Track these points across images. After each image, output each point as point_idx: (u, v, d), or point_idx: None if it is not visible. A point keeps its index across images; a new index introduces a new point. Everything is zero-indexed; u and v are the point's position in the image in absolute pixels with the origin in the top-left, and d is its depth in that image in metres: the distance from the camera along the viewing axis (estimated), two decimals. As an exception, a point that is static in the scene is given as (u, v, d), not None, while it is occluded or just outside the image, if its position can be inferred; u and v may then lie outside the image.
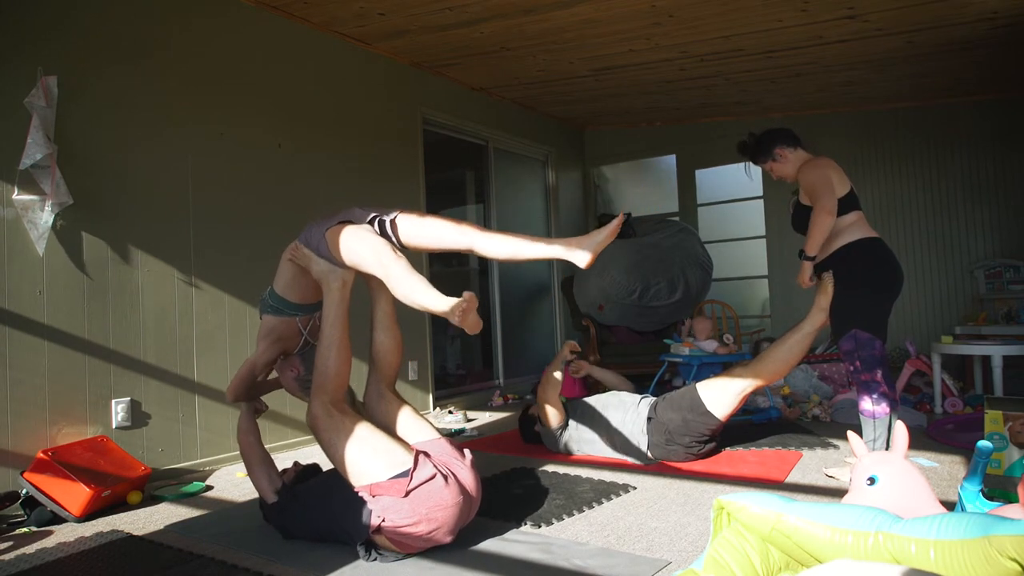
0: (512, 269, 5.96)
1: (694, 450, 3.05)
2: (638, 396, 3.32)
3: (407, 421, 2.22)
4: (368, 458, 2.00)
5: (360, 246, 2.07)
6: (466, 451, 2.18)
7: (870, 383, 2.71)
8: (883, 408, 2.70)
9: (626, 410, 3.22)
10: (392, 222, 2.12)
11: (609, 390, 3.60)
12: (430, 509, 1.95)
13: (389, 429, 2.19)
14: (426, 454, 2.06)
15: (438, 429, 2.27)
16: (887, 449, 2.76)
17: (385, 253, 2.00)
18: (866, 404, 2.73)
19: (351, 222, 2.16)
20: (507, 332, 5.82)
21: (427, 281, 1.92)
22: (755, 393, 4.45)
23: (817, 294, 2.87)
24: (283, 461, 3.35)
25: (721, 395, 2.99)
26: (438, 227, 2.08)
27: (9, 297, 2.75)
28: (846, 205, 2.82)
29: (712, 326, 4.49)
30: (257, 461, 2.40)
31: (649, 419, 3.10)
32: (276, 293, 2.37)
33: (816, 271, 2.91)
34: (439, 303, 1.83)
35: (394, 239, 2.13)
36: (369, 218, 2.16)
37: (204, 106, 3.50)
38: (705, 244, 6.09)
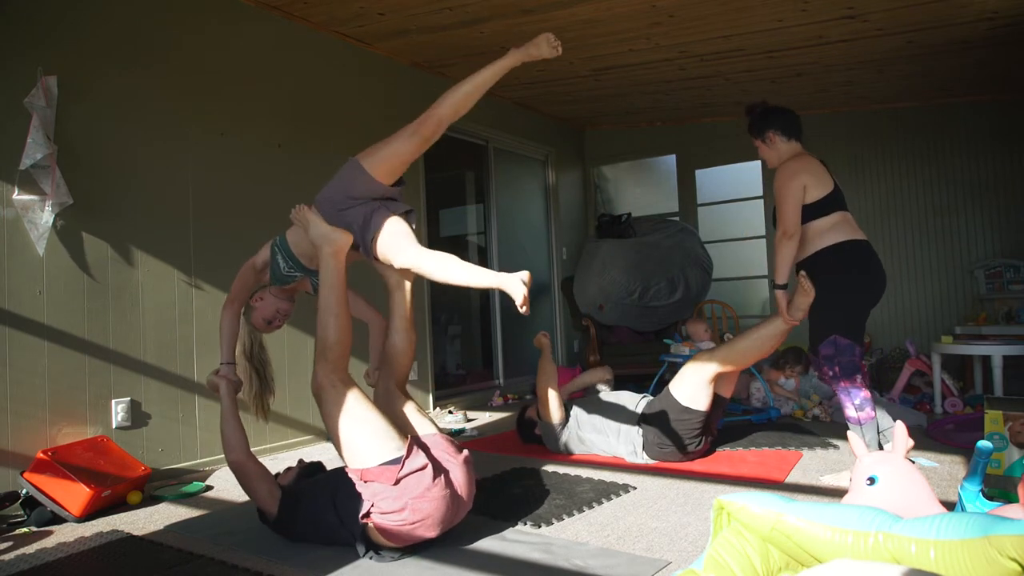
0: (513, 269, 5.95)
1: (690, 447, 3.05)
2: (638, 396, 3.33)
3: (409, 416, 2.26)
4: (362, 440, 2.02)
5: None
6: (464, 450, 2.18)
7: (850, 389, 2.66)
8: (867, 413, 2.66)
9: (624, 411, 3.24)
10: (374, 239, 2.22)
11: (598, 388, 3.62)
12: (416, 499, 1.95)
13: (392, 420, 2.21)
14: (422, 445, 2.08)
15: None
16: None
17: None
18: (850, 411, 2.69)
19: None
20: (507, 332, 5.81)
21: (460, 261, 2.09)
22: (752, 390, 4.46)
23: (796, 295, 2.79)
24: (284, 461, 3.36)
25: (692, 388, 3.00)
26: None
27: (9, 297, 2.75)
28: (828, 206, 2.73)
29: (706, 328, 4.48)
30: (257, 476, 2.25)
31: (641, 420, 3.14)
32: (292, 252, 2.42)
33: (796, 271, 2.86)
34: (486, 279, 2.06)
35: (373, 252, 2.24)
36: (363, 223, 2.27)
37: (204, 105, 3.50)
38: (705, 244, 6.09)
